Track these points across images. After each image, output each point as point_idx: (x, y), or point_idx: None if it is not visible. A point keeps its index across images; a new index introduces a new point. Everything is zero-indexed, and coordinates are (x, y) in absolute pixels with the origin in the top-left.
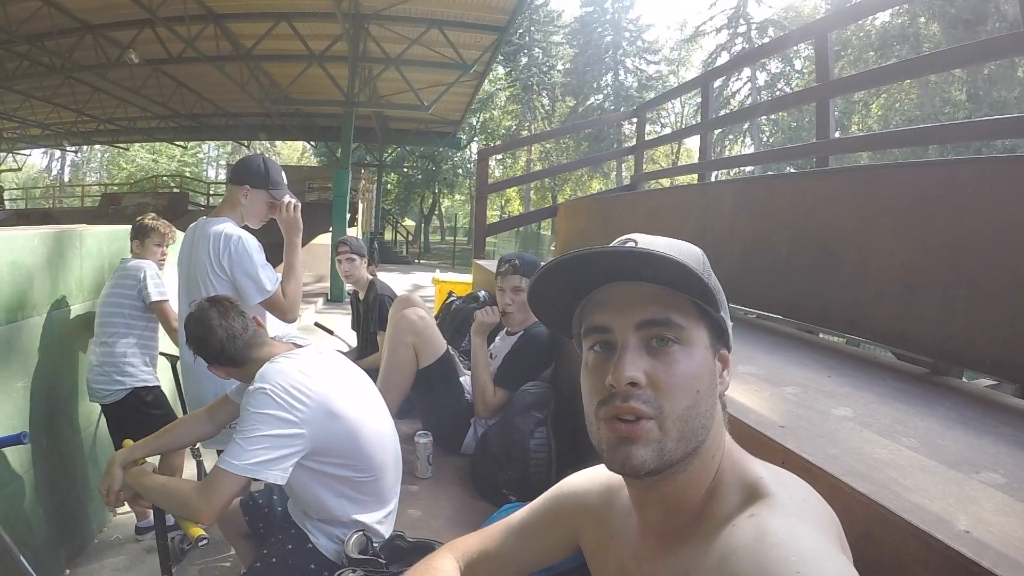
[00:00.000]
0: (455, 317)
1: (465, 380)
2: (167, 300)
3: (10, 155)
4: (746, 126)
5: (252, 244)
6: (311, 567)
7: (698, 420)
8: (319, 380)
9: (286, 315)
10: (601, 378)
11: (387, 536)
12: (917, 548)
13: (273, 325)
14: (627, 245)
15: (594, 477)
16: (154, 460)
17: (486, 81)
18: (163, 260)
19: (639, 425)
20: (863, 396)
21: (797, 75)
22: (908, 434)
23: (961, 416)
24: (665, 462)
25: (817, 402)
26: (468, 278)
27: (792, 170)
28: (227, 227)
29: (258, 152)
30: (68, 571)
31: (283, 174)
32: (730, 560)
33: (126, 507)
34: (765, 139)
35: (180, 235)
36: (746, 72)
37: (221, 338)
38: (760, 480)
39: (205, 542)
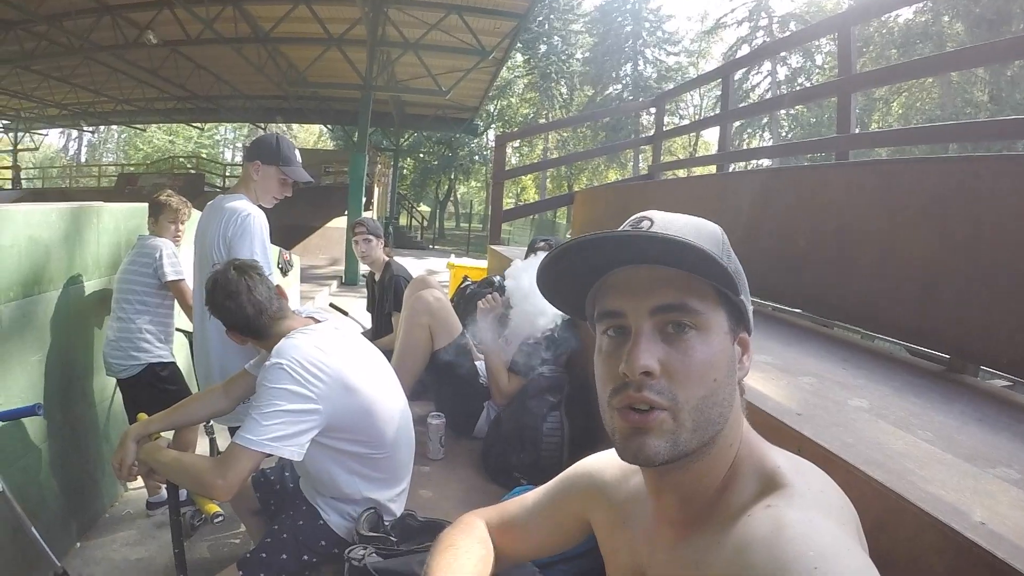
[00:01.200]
0: (470, 302)
1: (480, 363)
2: (183, 279)
3: (27, 135)
4: (765, 121)
5: (258, 223)
6: (322, 543)
7: (715, 410)
8: (335, 355)
9: None
10: (615, 364)
11: (399, 514)
12: (932, 538)
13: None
14: (642, 224)
15: (610, 460)
16: (168, 435)
17: (504, 68)
18: (179, 237)
19: (652, 415)
20: (879, 389)
21: (818, 71)
22: (924, 427)
23: (977, 413)
24: (679, 452)
25: (833, 392)
26: (483, 263)
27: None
28: (240, 203)
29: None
30: (79, 544)
31: (296, 152)
32: (746, 552)
33: (138, 482)
34: (784, 134)
35: (197, 213)
36: (766, 66)
37: (248, 313)
38: (778, 470)
39: (221, 519)
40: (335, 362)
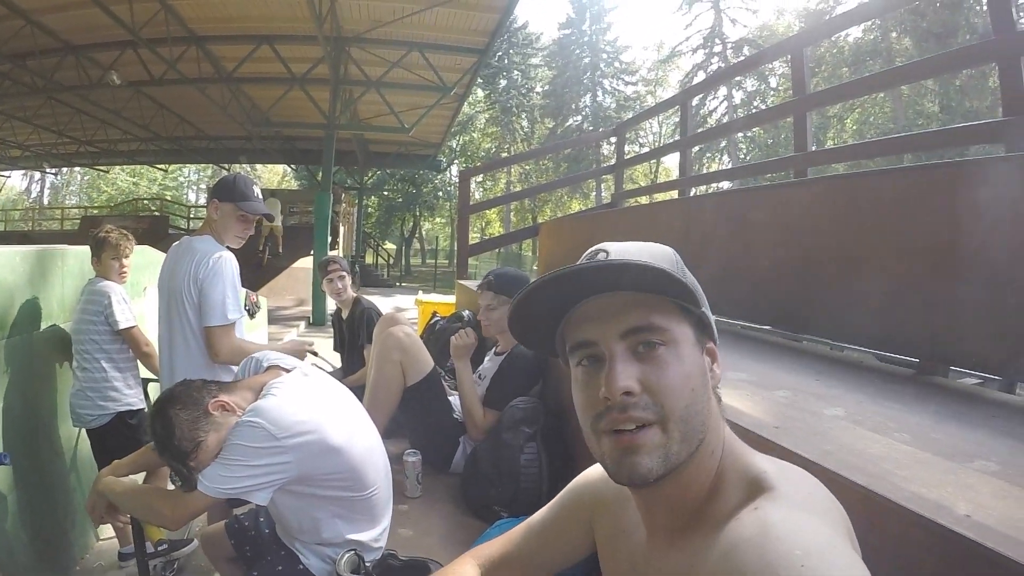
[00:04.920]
0: (439, 337)
1: (453, 399)
2: (135, 326)
3: None
4: (723, 144)
5: (229, 264)
6: None
7: (697, 418)
8: (307, 408)
9: (215, 356)
10: (594, 392)
11: (380, 554)
12: (919, 535)
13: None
14: (599, 256)
15: None
16: (139, 479)
17: (466, 104)
18: (124, 273)
19: (642, 433)
20: (853, 397)
21: (772, 92)
22: (901, 430)
23: (952, 411)
24: (671, 466)
25: (808, 404)
26: (451, 299)
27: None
28: (208, 245)
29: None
30: None
31: (256, 188)
32: (734, 553)
33: (110, 532)
34: (742, 156)
35: (145, 249)
36: (723, 91)
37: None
38: (764, 474)
39: (164, 546)
40: (309, 416)
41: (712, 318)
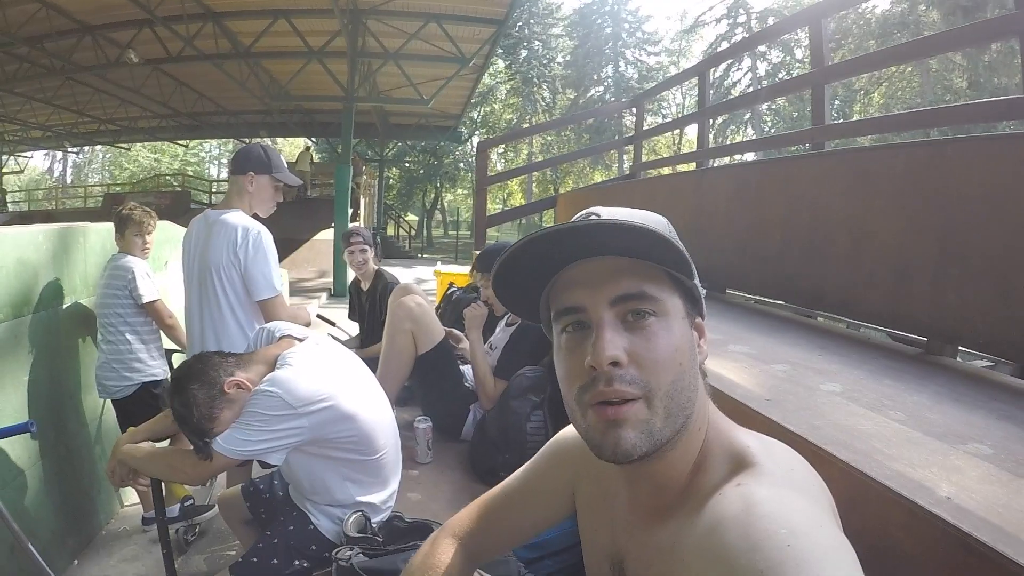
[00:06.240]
0: (456, 307)
1: (465, 368)
2: (158, 299)
3: (12, 158)
4: (747, 116)
5: (270, 240)
6: (312, 548)
7: (684, 394)
8: (321, 378)
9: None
10: (579, 360)
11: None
12: (899, 514)
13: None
14: (590, 219)
15: None
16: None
17: (486, 75)
18: (147, 250)
19: (626, 406)
20: (853, 373)
21: (798, 64)
22: (896, 408)
23: (953, 392)
24: (655, 444)
25: (806, 378)
26: (469, 269)
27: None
28: (244, 218)
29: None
30: (76, 562)
31: (283, 158)
32: (718, 531)
33: (134, 498)
34: (767, 129)
35: (166, 225)
36: (747, 62)
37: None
38: (747, 449)
39: (191, 502)
40: (323, 385)
41: (703, 292)
